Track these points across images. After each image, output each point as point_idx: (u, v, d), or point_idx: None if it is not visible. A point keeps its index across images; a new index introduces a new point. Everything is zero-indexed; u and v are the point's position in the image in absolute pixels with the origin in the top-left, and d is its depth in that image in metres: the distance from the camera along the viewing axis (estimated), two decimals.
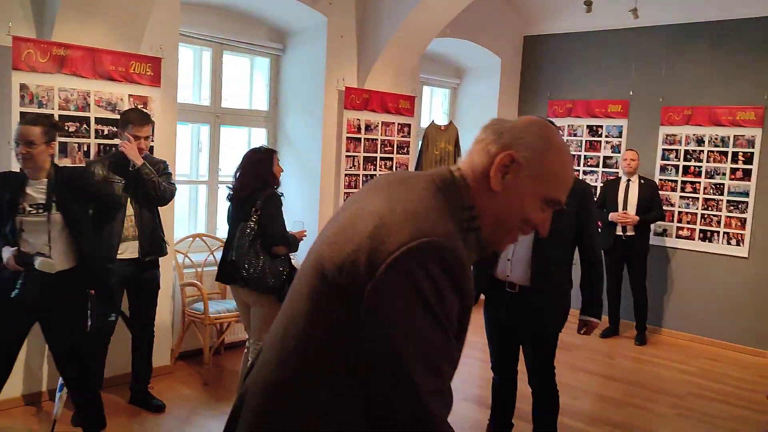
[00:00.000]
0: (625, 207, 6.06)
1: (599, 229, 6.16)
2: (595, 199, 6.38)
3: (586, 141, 7.09)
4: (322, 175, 5.60)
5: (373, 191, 1.34)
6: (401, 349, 1.14)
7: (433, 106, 7.60)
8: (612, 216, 6.05)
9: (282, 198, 3.74)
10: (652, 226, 6.28)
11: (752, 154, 6.03)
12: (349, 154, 5.72)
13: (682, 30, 6.37)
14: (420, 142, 5.62)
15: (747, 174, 6.06)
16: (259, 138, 5.87)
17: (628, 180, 6.14)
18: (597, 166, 7.01)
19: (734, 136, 6.12)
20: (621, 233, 6.07)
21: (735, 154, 6.13)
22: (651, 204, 6.05)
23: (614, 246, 6.09)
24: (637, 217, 5.98)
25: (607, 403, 4.71)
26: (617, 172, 6.83)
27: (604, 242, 6.12)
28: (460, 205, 1.29)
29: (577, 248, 3.38)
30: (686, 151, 6.40)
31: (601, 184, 6.61)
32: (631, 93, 6.72)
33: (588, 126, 7.06)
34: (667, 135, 6.51)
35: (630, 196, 6.09)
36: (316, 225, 5.58)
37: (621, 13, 6.20)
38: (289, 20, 5.58)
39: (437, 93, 7.59)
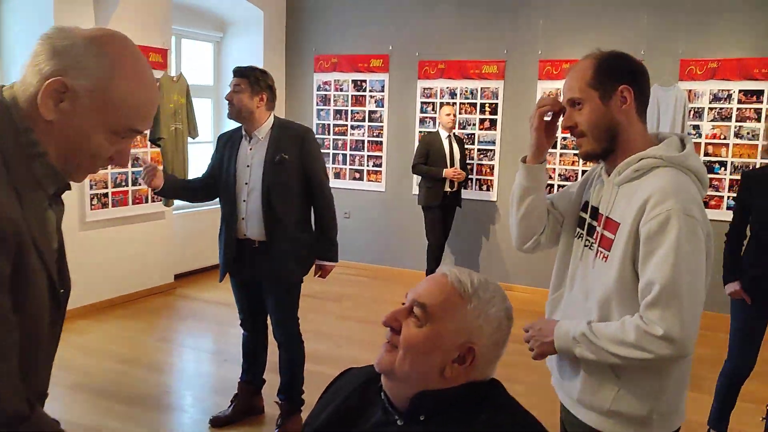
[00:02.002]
0: (452, 163, 6.05)
1: (427, 186, 5.97)
2: (415, 154, 6.10)
3: (352, 96, 7.19)
4: None
5: None
6: None
7: (197, 61, 7.22)
8: (447, 173, 5.94)
9: None
10: None
11: (497, 105, 6.52)
12: None
13: None
14: None
15: (493, 124, 6.55)
16: None
17: (449, 135, 6.08)
18: (363, 120, 7.16)
19: (481, 88, 6.57)
20: (448, 189, 6.05)
21: (483, 106, 6.58)
22: (463, 158, 6.19)
23: (442, 202, 6.07)
24: (464, 173, 6.05)
25: (366, 347, 4.87)
26: (382, 126, 7.04)
27: (434, 199, 6.05)
28: (13, 128, 1.11)
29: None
30: (441, 104, 6.75)
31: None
32: (390, 48, 6.91)
33: (353, 81, 7.16)
34: (424, 88, 6.81)
35: (454, 151, 6.09)
36: None
37: None
38: None
39: (201, 47, 7.21)
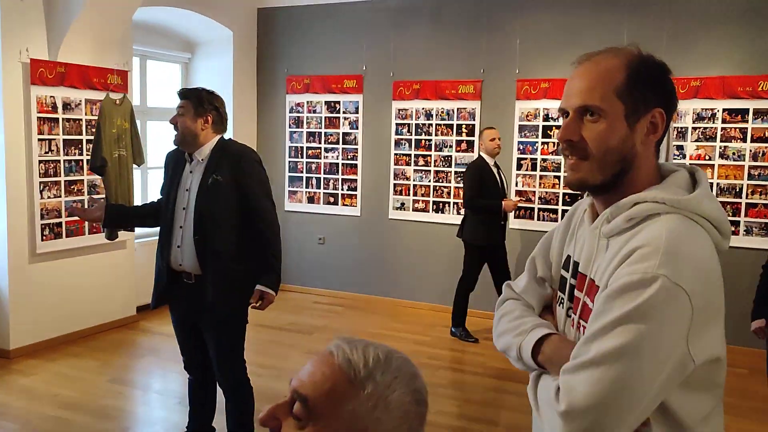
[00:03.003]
0: (504, 193, 5.48)
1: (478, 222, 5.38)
2: (468, 186, 5.44)
3: (325, 118, 6.93)
4: (6, 162, 4.75)
5: None
6: None
7: (164, 83, 6.96)
8: (508, 205, 5.38)
9: None
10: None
11: (474, 126, 6.28)
12: (43, 137, 4.93)
13: (405, 4, 6.43)
14: (98, 118, 4.91)
15: (470, 145, 6.30)
16: None
17: (495, 163, 5.50)
18: (337, 143, 6.90)
19: (458, 109, 6.33)
20: (503, 222, 5.50)
21: (459, 127, 6.34)
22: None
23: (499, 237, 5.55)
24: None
25: None
26: (356, 149, 6.78)
27: (497, 234, 5.48)
28: None
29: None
30: (417, 125, 6.51)
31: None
32: (364, 68, 6.68)
33: (326, 102, 6.91)
34: (399, 109, 6.57)
35: (503, 180, 5.54)
36: (4, 221, 4.76)
37: None
38: None
39: (168, 68, 6.95)
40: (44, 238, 5.00)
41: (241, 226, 2.98)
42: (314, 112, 6.97)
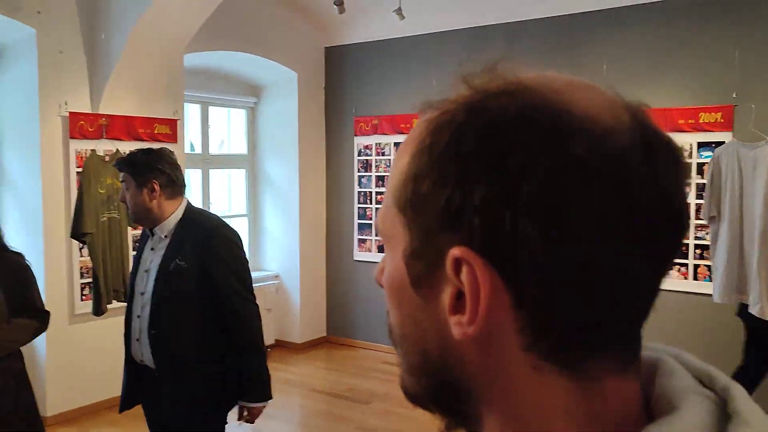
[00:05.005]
0: None
1: None
2: None
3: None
4: (44, 219, 4.58)
5: None
6: None
7: (230, 129, 6.75)
8: None
9: None
10: None
11: None
12: None
13: (477, 33, 5.81)
14: (81, 179, 4.51)
15: None
16: None
17: None
18: None
19: None
20: None
21: None
22: None
23: None
24: None
25: None
26: None
27: None
28: None
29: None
30: None
31: None
32: None
33: (395, 143, 6.37)
34: None
35: None
36: (42, 280, 4.55)
37: (422, 18, 5.67)
38: None
39: (233, 114, 6.73)
40: (83, 297, 4.77)
41: (209, 322, 2.47)
42: (383, 154, 6.46)
